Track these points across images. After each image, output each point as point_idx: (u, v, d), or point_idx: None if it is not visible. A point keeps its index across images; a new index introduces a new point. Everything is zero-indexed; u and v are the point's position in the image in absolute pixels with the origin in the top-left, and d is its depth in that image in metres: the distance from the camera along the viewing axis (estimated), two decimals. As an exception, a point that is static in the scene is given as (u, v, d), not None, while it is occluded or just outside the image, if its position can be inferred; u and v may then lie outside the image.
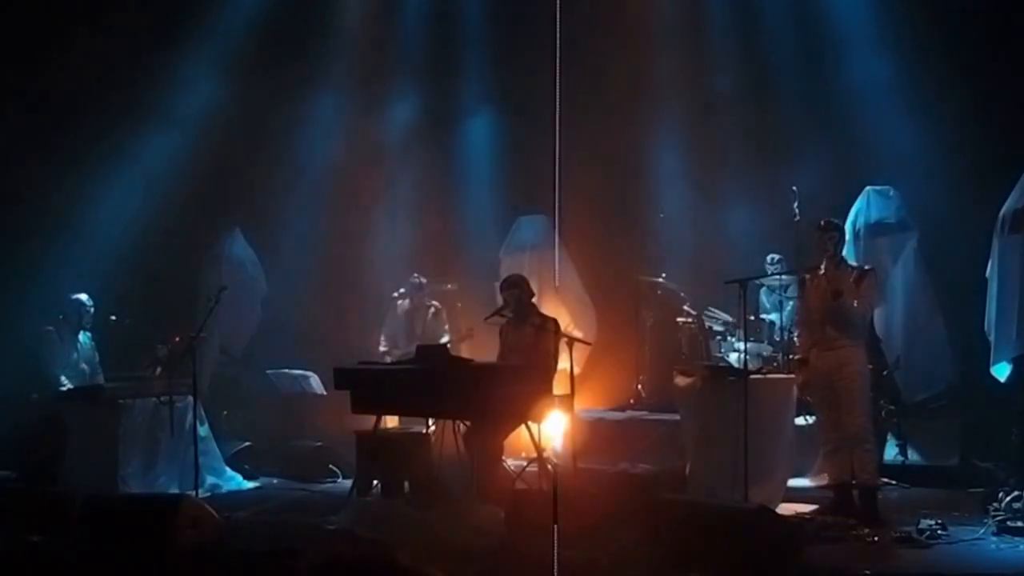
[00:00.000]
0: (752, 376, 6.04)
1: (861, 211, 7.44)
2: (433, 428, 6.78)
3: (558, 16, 5.79)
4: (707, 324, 7.89)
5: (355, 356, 7.62)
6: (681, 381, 6.65)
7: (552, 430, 7.22)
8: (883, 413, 7.13)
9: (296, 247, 9.13)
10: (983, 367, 6.46)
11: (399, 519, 5.78)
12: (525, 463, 6.73)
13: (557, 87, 5.80)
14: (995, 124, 7.20)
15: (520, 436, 6.54)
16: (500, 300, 6.76)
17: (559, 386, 6.47)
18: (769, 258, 7.57)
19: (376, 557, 1.73)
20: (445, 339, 8.33)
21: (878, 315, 7.14)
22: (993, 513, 5.57)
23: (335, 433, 7.78)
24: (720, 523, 4.72)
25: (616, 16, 8.77)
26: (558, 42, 5.75)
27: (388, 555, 1.73)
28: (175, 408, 6.83)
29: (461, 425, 6.40)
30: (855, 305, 5.88)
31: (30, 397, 7.12)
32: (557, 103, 5.92)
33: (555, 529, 4.31)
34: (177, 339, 7.01)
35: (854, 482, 5.90)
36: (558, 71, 5.75)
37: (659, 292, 8.36)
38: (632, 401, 8.27)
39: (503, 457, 6.54)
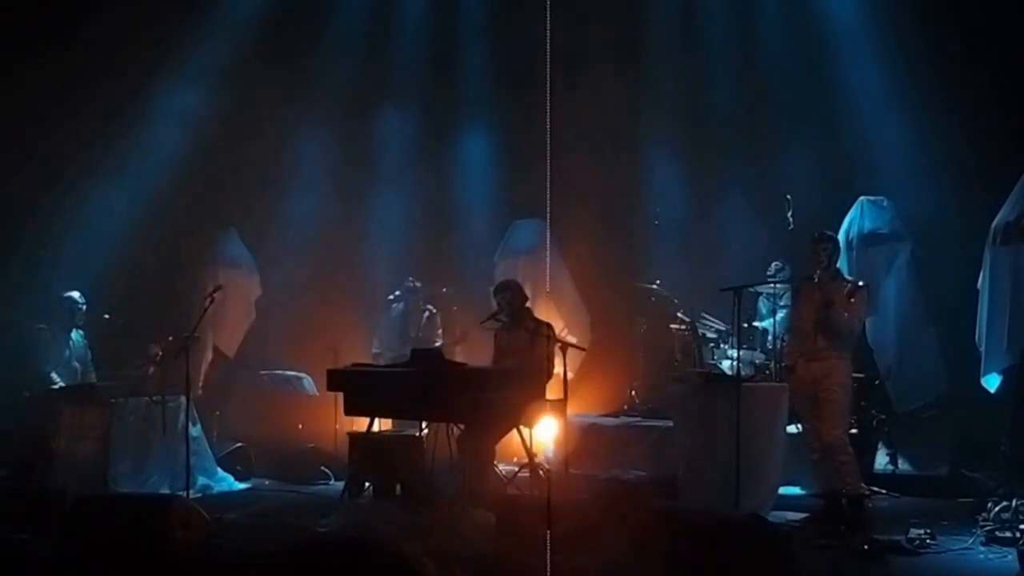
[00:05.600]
0: (745, 384, 6.06)
1: (855, 221, 7.47)
2: (426, 431, 6.79)
3: (548, 21, 5.82)
4: (700, 331, 7.92)
5: (348, 358, 7.62)
6: (674, 388, 6.67)
7: (544, 435, 7.24)
8: (874, 422, 7.16)
9: (291, 249, 9.14)
10: (974, 378, 6.51)
11: (390, 522, 5.78)
12: (517, 468, 6.74)
13: (548, 87, 5.83)
14: (988, 137, 7.25)
15: (512, 441, 6.55)
16: (495, 304, 6.77)
17: (552, 391, 6.48)
18: (773, 265, 7.57)
19: (374, 543, 1.75)
20: (439, 343, 8.33)
21: (870, 324, 7.17)
22: (982, 523, 5.60)
23: (327, 435, 7.79)
24: (711, 530, 4.73)
25: (611, 25, 8.81)
26: (548, 45, 5.79)
27: (387, 542, 1.75)
28: (167, 408, 6.83)
29: (454, 428, 6.40)
30: (845, 317, 5.91)
31: (22, 395, 7.09)
32: (547, 106, 5.96)
33: (548, 535, 4.32)
34: (170, 339, 7.01)
35: (843, 490, 5.92)
36: (548, 73, 5.79)
37: (653, 299, 8.39)
38: (625, 407, 8.28)
39: (495, 462, 6.55)
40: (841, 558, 5.28)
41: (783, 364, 6.42)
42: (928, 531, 5.48)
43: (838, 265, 6.23)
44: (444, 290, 8.96)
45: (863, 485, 6.05)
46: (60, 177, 8.24)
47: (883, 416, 7.21)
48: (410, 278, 8.67)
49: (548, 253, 8.47)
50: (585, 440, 7.48)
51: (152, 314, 7.91)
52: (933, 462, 7.05)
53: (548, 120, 6.34)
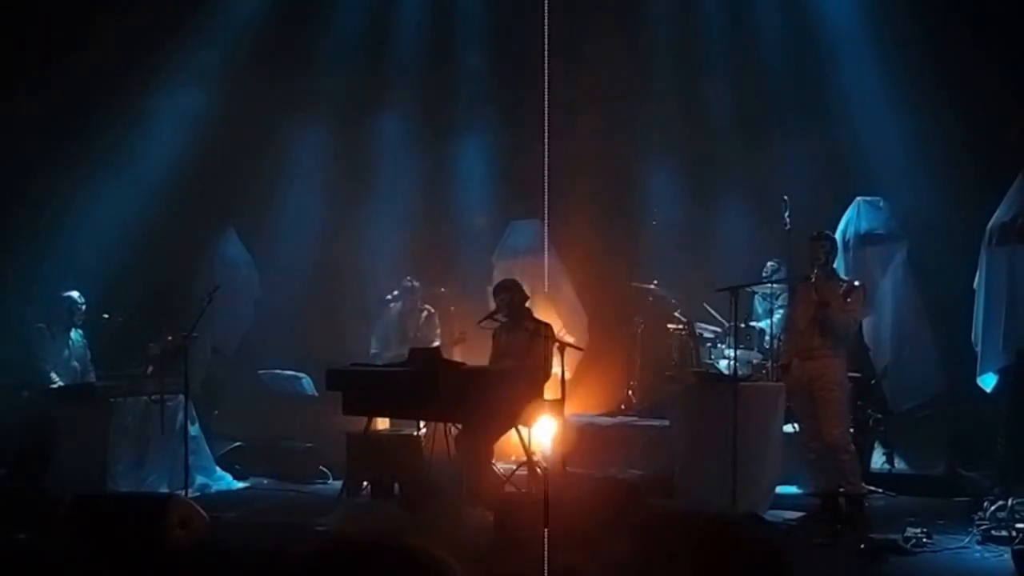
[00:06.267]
0: (741, 383, 6.08)
1: (851, 221, 7.49)
2: (424, 430, 6.80)
3: (546, 22, 5.84)
4: (697, 331, 7.94)
5: (347, 358, 7.63)
6: (671, 387, 6.70)
7: (542, 434, 7.26)
8: (870, 421, 7.18)
9: (290, 248, 9.14)
10: (970, 377, 6.54)
11: (389, 521, 5.79)
12: (515, 467, 6.76)
13: (545, 89, 5.86)
14: (984, 137, 7.27)
15: (510, 440, 6.57)
16: (493, 304, 6.78)
17: (550, 391, 6.50)
18: (768, 265, 7.60)
19: (381, 540, 1.76)
20: (437, 343, 8.35)
21: (867, 324, 7.19)
22: (978, 522, 5.63)
23: (326, 434, 7.80)
24: (708, 529, 4.74)
25: (609, 25, 8.83)
26: (546, 45, 5.81)
27: (399, 538, 1.75)
28: (166, 407, 6.83)
29: (452, 428, 6.42)
30: (841, 316, 5.92)
31: (20, 394, 7.10)
32: (545, 106, 5.98)
33: (545, 533, 4.33)
34: (169, 338, 7.01)
35: (841, 490, 5.94)
36: (546, 73, 5.82)
37: (650, 299, 8.41)
38: (622, 407, 8.31)
39: (493, 461, 6.57)
40: (838, 557, 5.31)
41: (779, 363, 6.44)
42: (924, 530, 5.50)
43: (834, 265, 6.25)
44: (442, 290, 8.97)
45: (864, 485, 6.07)
46: (59, 177, 8.24)
47: (879, 415, 7.22)
48: (408, 278, 8.68)
49: (546, 253, 8.49)
50: (583, 439, 7.50)
51: (151, 313, 7.92)
52: (929, 461, 7.06)
53: (546, 120, 6.36)
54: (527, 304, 6.79)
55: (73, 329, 7.41)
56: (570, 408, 7.04)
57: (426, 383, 6.06)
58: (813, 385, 5.94)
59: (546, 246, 8.41)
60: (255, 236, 9.08)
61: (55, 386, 7.11)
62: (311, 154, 9.36)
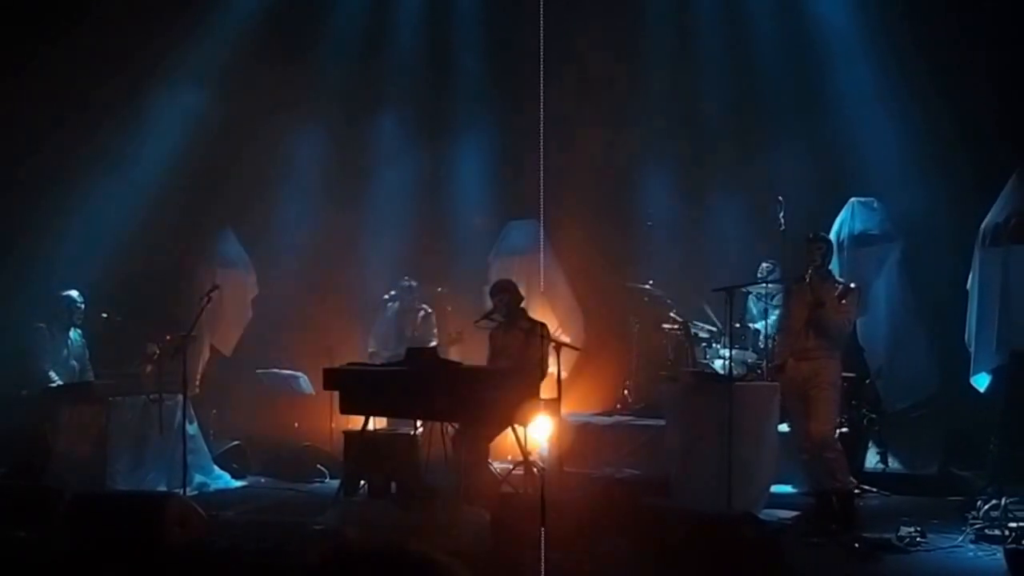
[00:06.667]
0: (737, 383, 6.11)
1: (845, 222, 7.53)
2: (421, 430, 6.83)
3: (542, 24, 5.88)
4: (693, 331, 7.98)
5: (344, 357, 7.66)
6: (667, 387, 6.73)
7: (539, 434, 7.29)
8: (865, 421, 7.22)
9: (287, 248, 9.17)
10: (963, 377, 6.58)
11: (385, 520, 5.83)
12: (511, 466, 6.79)
13: (541, 90, 5.90)
14: (978, 138, 7.31)
15: (507, 439, 6.60)
16: (490, 304, 6.81)
17: (546, 390, 6.53)
18: (763, 266, 7.64)
19: (386, 546, 1.78)
20: (434, 342, 8.38)
21: (861, 324, 7.23)
22: (971, 521, 5.66)
23: (323, 433, 7.83)
24: (703, 528, 4.79)
25: (605, 26, 8.86)
26: (542, 47, 5.85)
27: (399, 544, 1.77)
28: (164, 406, 6.85)
29: (449, 427, 6.45)
30: (836, 317, 5.96)
31: (19, 393, 7.12)
32: (542, 107, 6.02)
33: (542, 533, 4.37)
34: (168, 337, 7.03)
35: (834, 487, 5.97)
36: (542, 74, 5.85)
37: (646, 299, 8.44)
38: (618, 406, 8.34)
39: (489, 460, 6.60)
40: (832, 556, 5.34)
41: (773, 363, 6.47)
42: (918, 529, 5.54)
43: (829, 266, 6.28)
44: (440, 289, 9.00)
45: (852, 480, 6.10)
46: (58, 176, 8.26)
47: (873, 415, 7.26)
48: (406, 277, 8.70)
49: (543, 253, 8.52)
50: (579, 439, 7.53)
51: (150, 313, 7.94)
52: (923, 461, 7.10)
53: (542, 121, 6.39)
54: (523, 304, 6.82)
55: (72, 328, 7.43)
56: (566, 408, 7.07)
57: (423, 383, 6.09)
58: (807, 384, 5.97)
59: (542, 246, 8.44)
60: (253, 236, 9.10)
61: (54, 385, 7.13)
62: (309, 154, 9.39)
